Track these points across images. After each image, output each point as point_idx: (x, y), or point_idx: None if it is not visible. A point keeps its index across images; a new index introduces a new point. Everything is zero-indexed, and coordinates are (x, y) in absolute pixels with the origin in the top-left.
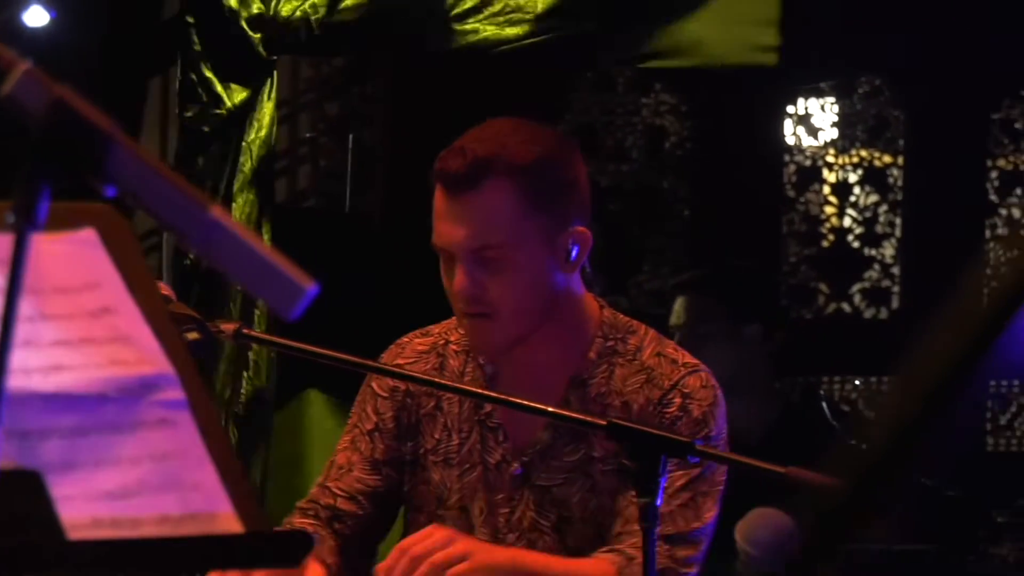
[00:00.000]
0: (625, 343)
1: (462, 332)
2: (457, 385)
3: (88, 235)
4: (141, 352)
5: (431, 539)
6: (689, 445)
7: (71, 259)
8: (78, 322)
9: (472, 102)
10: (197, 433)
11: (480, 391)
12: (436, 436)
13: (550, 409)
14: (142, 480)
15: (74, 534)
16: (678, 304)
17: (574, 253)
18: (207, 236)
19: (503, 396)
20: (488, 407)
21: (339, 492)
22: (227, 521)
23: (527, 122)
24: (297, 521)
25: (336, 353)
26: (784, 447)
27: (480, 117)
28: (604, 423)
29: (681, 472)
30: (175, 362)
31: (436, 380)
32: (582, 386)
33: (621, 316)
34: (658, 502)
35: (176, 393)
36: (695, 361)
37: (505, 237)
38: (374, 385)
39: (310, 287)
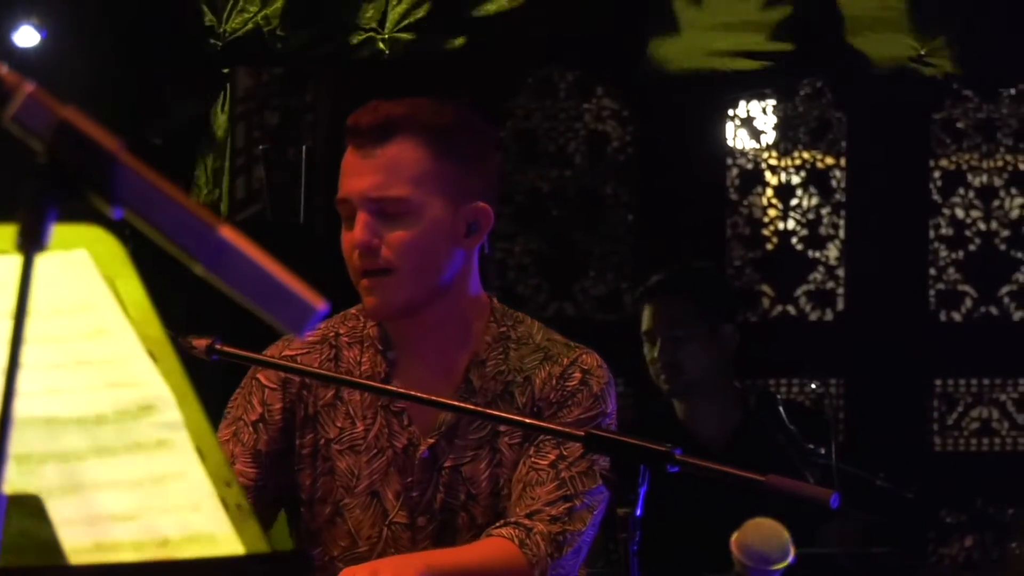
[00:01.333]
0: (516, 330)
1: (351, 324)
2: (415, 394)
3: (81, 257)
4: (137, 374)
5: None
6: (668, 454)
7: (64, 281)
8: (73, 344)
9: None
10: (195, 454)
11: (432, 398)
12: (339, 425)
13: (528, 421)
14: (142, 502)
15: (75, 558)
16: (648, 311)
17: (474, 229)
18: (216, 256)
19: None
20: None
21: None
22: (227, 543)
23: (449, 101)
24: None
25: (311, 369)
26: (746, 452)
27: None
28: (582, 434)
29: (576, 444)
30: (171, 383)
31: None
32: (481, 366)
33: (508, 308)
34: (638, 512)
35: (173, 414)
36: (584, 346)
37: (408, 190)
38: (260, 377)
39: (321, 306)
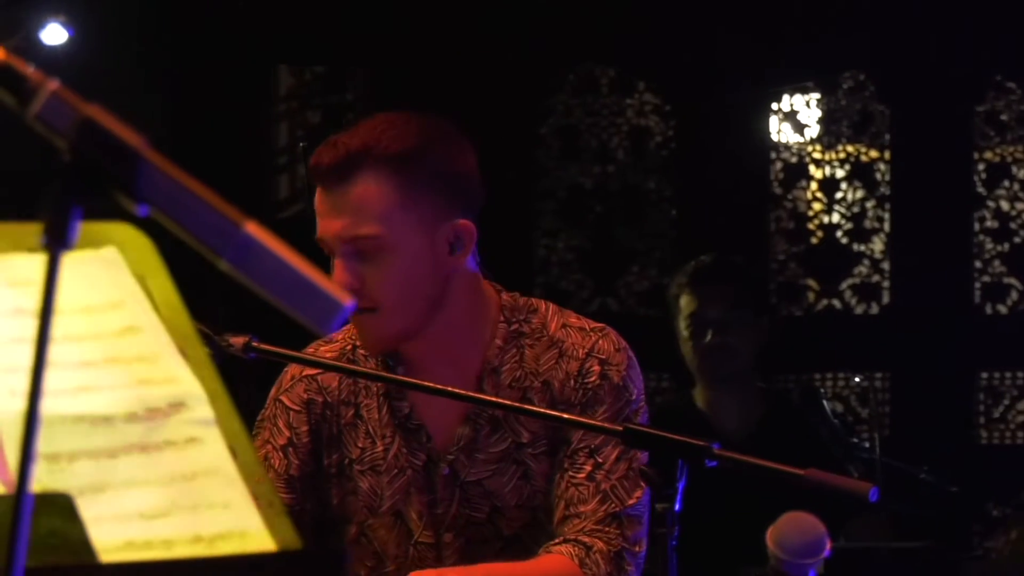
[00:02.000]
0: (529, 323)
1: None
2: (439, 387)
3: (111, 254)
4: (168, 371)
5: None
6: (707, 448)
7: (95, 279)
8: (104, 342)
9: (452, 106)
10: (227, 451)
11: (460, 391)
12: (360, 445)
13: (565, 416)
14: (173, 500)
15: (107, 556)
16: (694, 296)
17: (457, 247)
18: (241, 253)
19: (483, 397)
20: (406, 409)
21: None
22: (259, 539)
23: (413, 114)
24: None
25: (348, 366)
26: (769, 446)
27: (460, 120)
28: (620, 428)
29: (612, 442)
30: (202, 380)
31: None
32: (494, 374)
33: (521, 297)
34: (677, 508)
35: (204, 411)
36: (600, 324)
37: (378, 228)
38: (284, 399)
39: (347, 302)
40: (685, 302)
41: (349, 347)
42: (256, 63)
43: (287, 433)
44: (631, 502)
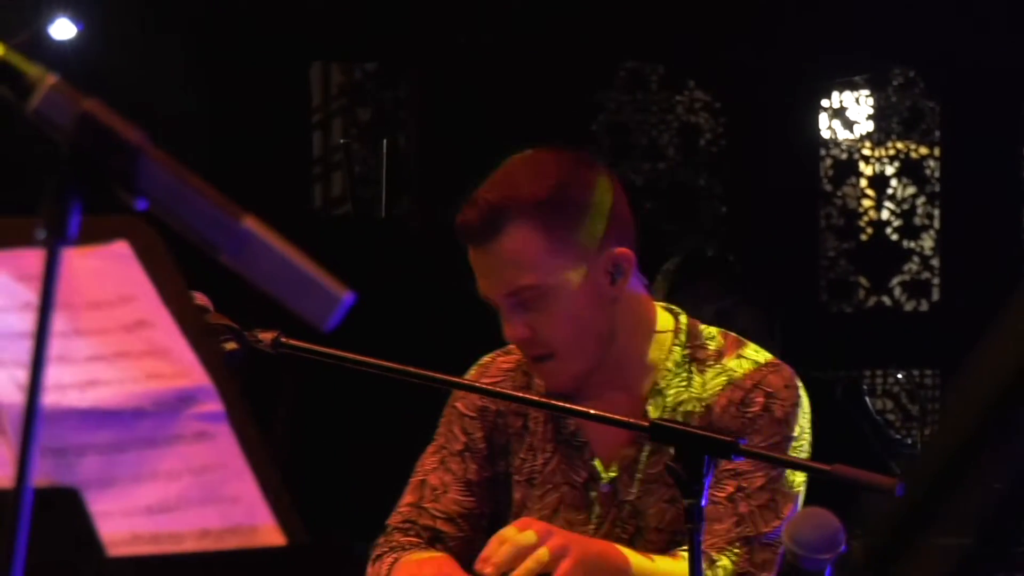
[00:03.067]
0: (706, 349)
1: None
2: (534, 397)
3: (121, 248)
4: (178, 365)
5: (531, 531)
6: (733, 444)
7: (104, 273)
8: (113, 336)
9: (504, 103)
10: (236, 445)
11: (556, 403)
12: (522, 456)
13: (592, 412)
14: (182, 494)
15: (114, 551)
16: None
17: (617, 275)
18: (240, 247)
19: (576, 407)
20: (572, 426)
21: (437, 513)
22: (268, 534)
23: (541, 153)
24: (402, 539)
25: (377, 360)
26: None
27: (512, 118)
28: (646, 424)
29: (760, 473)
30: (212, 374)
31: (509, 393)
32: (659, 395)
33: (700, 324)
34: (703, 503)
35: (214, 405)
36: (777, 360)
37: (535, 278)
38: (459, 405)
39: (346, 297)
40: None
41: (525, 360)
42: (306, 60)
43: (463, 439)
44: (766, 530)
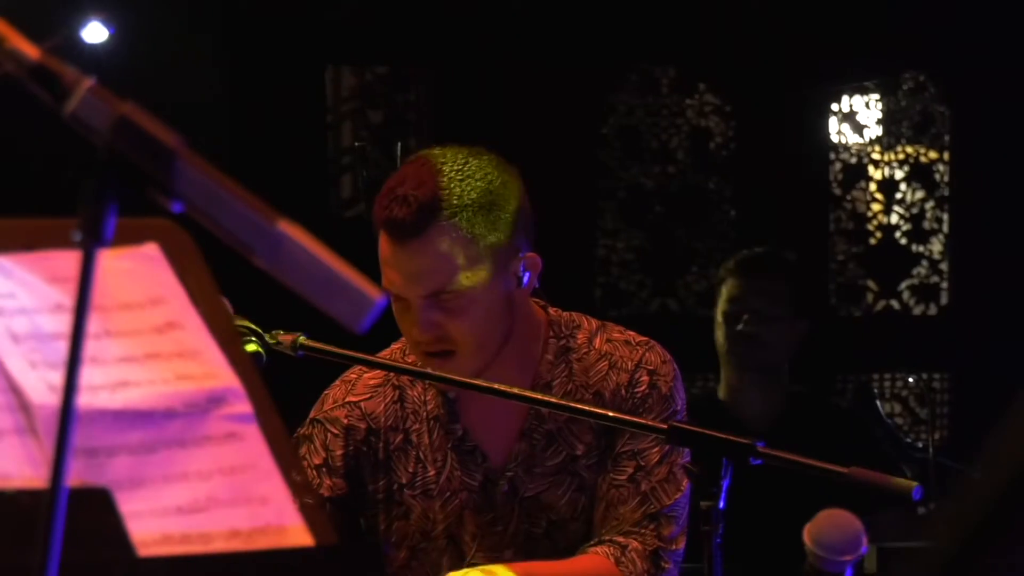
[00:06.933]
0: (574, 337)
1: (411, 361)
2: (502, 388)
3: (152, 250)
4: (207, 366)
5: None
6: (750, 446)
7: (135, 275)
8: (144, 338)
9: (514, 107)
10: (265, 446)
11: (525, 393)
12: (410, 470)
13: (611, 414)
14: (211, 495)
15: (144, 551)
16: (739, 283)
17: (525, 279)
18: (274, 250)
19: (555, 400)
20: (460, 431)
21: None
22: (297, 534)
23: (464, 152)
24: None
25: (398, 364)
26: (789, 441)
27: (522, 121)
28: (665, 427)
29: (656, 448)
30: (241, 375)
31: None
32: (546, 389)
33: (563, 313)
34: (721, 505)
35: (243, 406)
36: (644, 338)
37: (458, 281)
38: (324, 421)
39: (379, 298)
40: (728, 287)
41: (393, 374)
42: (318, 63)
43: (323, 454)
44: (669, 502)
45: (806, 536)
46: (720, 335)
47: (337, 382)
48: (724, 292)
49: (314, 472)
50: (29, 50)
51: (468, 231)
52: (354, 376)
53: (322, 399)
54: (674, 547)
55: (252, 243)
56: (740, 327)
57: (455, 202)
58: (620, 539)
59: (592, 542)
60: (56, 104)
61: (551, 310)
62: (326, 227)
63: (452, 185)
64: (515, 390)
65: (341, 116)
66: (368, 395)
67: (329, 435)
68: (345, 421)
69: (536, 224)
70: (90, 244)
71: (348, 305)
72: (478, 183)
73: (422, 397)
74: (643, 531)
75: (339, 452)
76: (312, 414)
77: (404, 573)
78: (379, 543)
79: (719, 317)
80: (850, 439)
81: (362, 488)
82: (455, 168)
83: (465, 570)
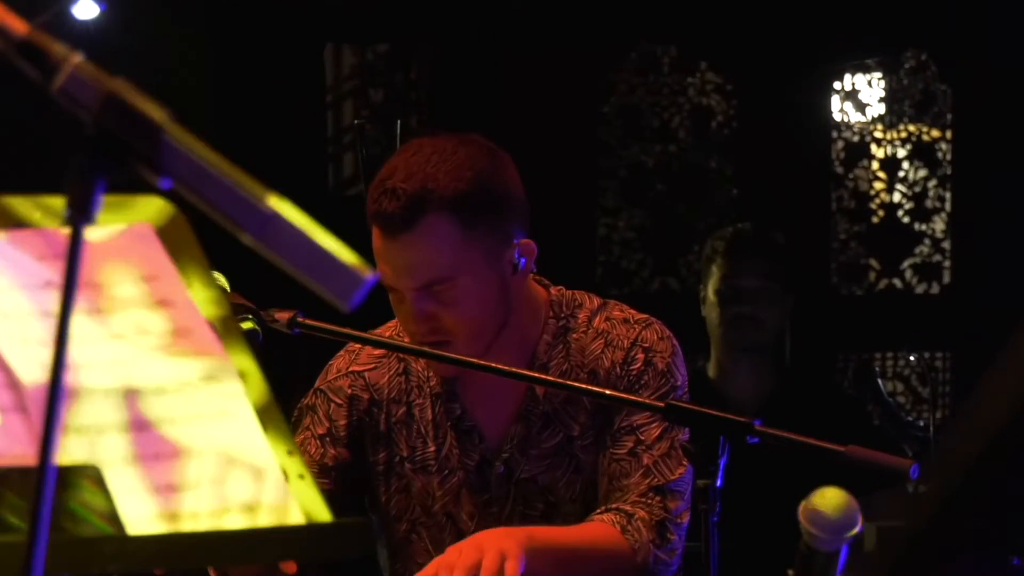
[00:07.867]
0: (575, 317)
1: (408, 339)
2: (495, 365)
3: (143, 228)
4: (199, 344)
5: (467, 555)
6: (748, 425)
7: (126, 252)
8: (135, 315)
9: (515, 85)
10: (256, 424)
11: (521, 371)
12: (411, 443)
13: (607, 392)
14: (202, 472)
15: (135, 528)
16: (731, 262)
17: (521, 265)
18: (264, 227)
19: (547, 377)
20: (459, 410)
21: None
22: (289, 512)
23: (453, 141)
24: None
25: (396, 342)
26: (781, 420)
27: (523, 100)
28: (662, 405)
29: (655, 424)
30: (233, 353)
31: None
32: (543, 370)
33: (566, 292)
34: (718, 483)
35: (235, 385)
36: (645, 315)
37: (450, 271)
38: (327, 391)
39: (369, 276)
40: (718, 267)
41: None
42: (318, 41)
43: (327, 423)
44: (673, 477)
45: (801, 515)
46: (714, 315)
47: (341, 352)
48: (715, 271)
49: (318, 442)
50: (17, 25)
51: (459, 222)
52: (358, 346)
53: (326, 369)
54: (680, 520)
55: (240, 220)
56: (737, 309)
57: (445, 194)
58: (627, 508)
59: (598, 510)
60: (44, 80)
61: (553, 289)
62: (327, 206)
63: (441, 176)
64: (510, 369)
65: (342, 95)
66: (372, 365)
67: (332, 405)
68: (349, 391)
69: (530, 209)
70: (78, 221)
71: (339, 283)
72: (468, 173)
73: (426, 372)
74: (649, 502)
75: (343, 422)
76: (316, 384)
77: (404, 547)
78: (381, 516)
79: (712, 296)
80: (841, 417)
81: (366, 458)
82: (445, 158)
83: (472, 536)
